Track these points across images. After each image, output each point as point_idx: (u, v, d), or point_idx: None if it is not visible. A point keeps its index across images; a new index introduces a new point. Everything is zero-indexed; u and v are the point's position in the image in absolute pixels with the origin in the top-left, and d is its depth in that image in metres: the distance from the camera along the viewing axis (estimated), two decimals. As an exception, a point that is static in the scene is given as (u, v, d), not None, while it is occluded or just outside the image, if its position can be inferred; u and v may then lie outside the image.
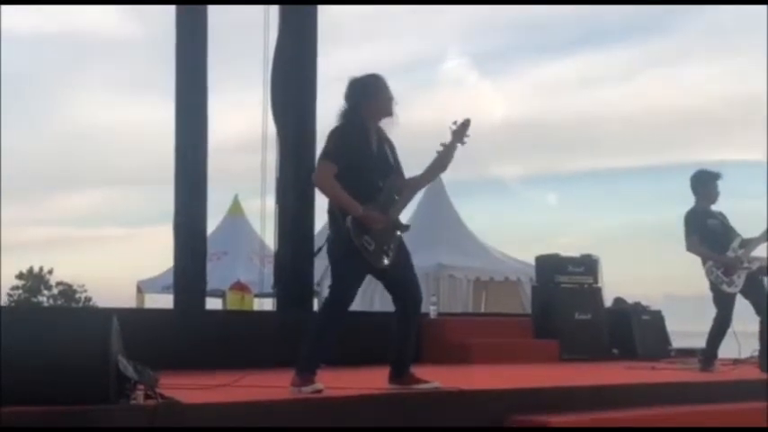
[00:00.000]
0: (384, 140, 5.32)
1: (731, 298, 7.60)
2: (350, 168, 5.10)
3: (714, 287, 7.59)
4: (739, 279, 7.57)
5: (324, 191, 5.19)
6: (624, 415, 5.56)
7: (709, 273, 7.61)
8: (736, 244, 7.63)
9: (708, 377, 7.23)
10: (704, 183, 7.73)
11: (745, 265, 7.58)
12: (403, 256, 5.25)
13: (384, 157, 5.29)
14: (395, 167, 5.33)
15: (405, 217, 5.44)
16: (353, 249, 5.04)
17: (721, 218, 7.80)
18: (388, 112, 5.26)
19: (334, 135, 5.21)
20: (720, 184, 7.75)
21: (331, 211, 5.18)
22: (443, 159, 5.30)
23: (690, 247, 7.68)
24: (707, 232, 7.65)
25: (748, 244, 7.66)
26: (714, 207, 7.80)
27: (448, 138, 5.28)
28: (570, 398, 5.65)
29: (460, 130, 5.29)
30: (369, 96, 5.20)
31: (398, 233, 5.22)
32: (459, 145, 5.28)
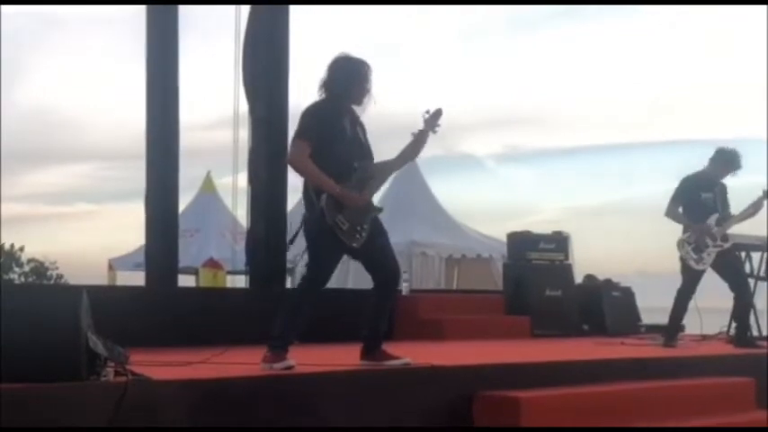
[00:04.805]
0: (357, 123, 5.33)
1: (696, 274, 7.67)
2: (324, 148, 5.10)
3: (683, 261, 7.68)
4: (708, 257, 7.63)
5: (298, 170, 5.18)
6: (593, 390, 5.64)
7: (680, 246, 7.69)
8: (712, 221, 7.67)
9: (675, 352, 7.33)
10: (721, 159, 7.71)
11: (717, 243, 7.64)
12: (379, 233, 5.27)
13: (357, 139, 5.30)
14: (367, 150, 5.34)
15: (378, 194, 5.47)
16: (327, 228, 5.06)
17: (719, 192, 7.78)
18: (359, 102, 5.26)
19: (308, 114, 5.20)
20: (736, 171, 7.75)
21: (306, 192, 5.19)
22: (415, 147, 5.36)
23: (668, 212, 7.76)
24: (696, 205, 7.70)
25: (725, 222, 7.70)
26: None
27: (420, 125, 5.31)
28: (540, 373, 5.71)
29: (432, 119, 5.33)
30: (352, 79, 5.19)
31: (372, 214, 5.24)
32: (431, 133, 5.33)
